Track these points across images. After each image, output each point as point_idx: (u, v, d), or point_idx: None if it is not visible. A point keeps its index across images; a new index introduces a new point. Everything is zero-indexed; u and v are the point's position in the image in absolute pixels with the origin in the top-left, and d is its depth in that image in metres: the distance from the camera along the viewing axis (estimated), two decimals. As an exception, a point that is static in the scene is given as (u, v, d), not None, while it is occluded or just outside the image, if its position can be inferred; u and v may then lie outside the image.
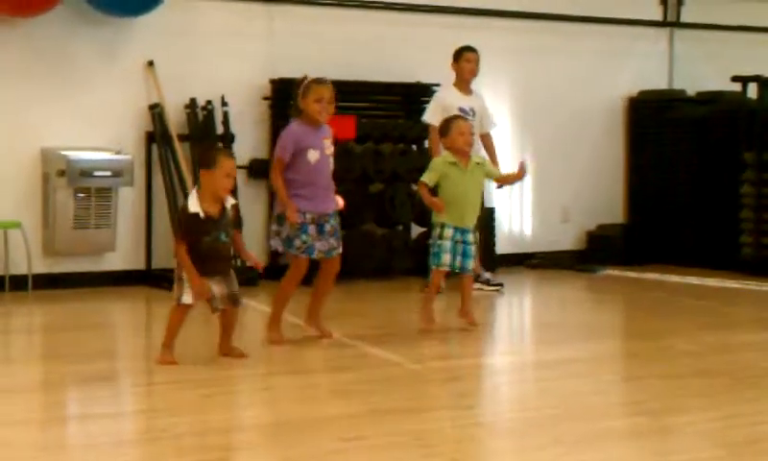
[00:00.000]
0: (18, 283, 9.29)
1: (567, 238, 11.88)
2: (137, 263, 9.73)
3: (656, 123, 11.94)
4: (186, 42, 10.01)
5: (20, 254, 9.27)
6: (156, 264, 9.84)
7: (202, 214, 6.59)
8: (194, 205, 6.62)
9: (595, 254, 11.67)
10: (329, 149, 7.32)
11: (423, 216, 10.46)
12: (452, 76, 9.84)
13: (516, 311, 9.74)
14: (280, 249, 7.35)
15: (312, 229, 7.19)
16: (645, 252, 11.68)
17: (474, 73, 9.77)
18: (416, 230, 10.70)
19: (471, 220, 7.81)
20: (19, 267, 9.32)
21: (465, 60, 9.75)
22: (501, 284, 9.87)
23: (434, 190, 7.72)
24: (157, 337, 7.56)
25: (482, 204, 8.06)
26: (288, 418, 5.46)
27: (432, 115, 9.62)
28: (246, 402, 5.87)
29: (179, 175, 9.84)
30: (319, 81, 7.35)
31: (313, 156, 7.21)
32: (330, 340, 7.38)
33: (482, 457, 4.88)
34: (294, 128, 7.31)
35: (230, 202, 6.73)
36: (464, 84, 9.77)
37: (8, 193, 9.38)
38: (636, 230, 11.95)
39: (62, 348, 7.30)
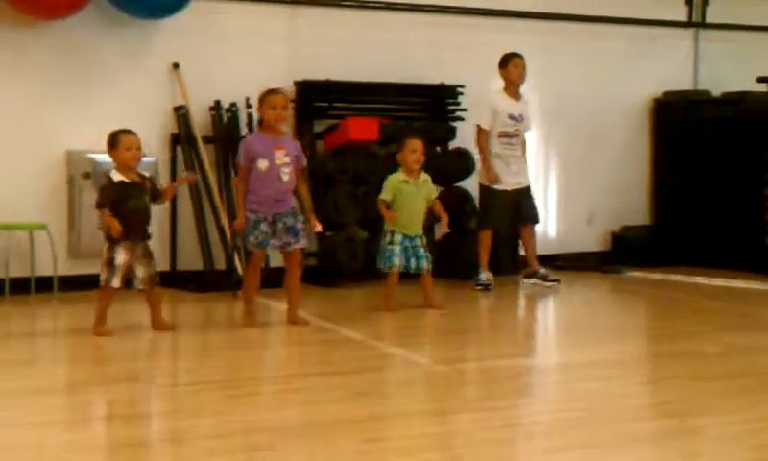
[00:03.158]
0: (44, 285, 9.32)
1: (592, 240, 11.84)
2: (162, 265, 9.69)
3: (681, 124, 11.89)
4: (211, 44, 10.03)
5: (45, 255, 9.30)
6: (181, 266, 9.87)
7: (127, 180, 7.59)
8: (116, 175, 7.62)
9: (620, 255, 11.64)
10: (281, 159, 7.91)
11: (450, 217, 10.51)
12: (477, 79, 10.30)
13: (540, 313, 9.72)
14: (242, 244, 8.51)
15: (265, 226, 7.87)
16: (670, 253, 11.63)
17: (522, 78, 10.10)
18: (439, 232, 10.69)
19: (418, 228, 8.75)
20: (44, 269, 9.34)
21: (513, 65, 10.07)
22: (557, 280, 10.12)
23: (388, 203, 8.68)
24: (183, 338, 7.61)
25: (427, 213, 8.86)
26: (312, 419, 5.46)
27: (483, 118, 10.01)
28: (269, 404, 5.88)
29: (203, 177, 9.85)
30: (273, 90, 8.03)
31: (263, 164, 7.87)
32: (307, 327, 7.93)
33: (507, 460, 4.86)
34: (248, 139, 8.32)
35: (146, 174, 7.83)
36: (513, 89, 10.10)
37: (33, 195, 9.41)
38: (660, 231, 11.91)
39: (87, 349, 7.32)
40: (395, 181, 8.68)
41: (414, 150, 8.68)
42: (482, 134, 10.01)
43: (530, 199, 10.31)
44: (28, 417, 5.48)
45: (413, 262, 8.67)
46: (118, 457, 4.93)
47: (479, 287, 9.84)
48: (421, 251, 8.69)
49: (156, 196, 7.87)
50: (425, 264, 8.68)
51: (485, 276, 9.89)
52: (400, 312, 8.56)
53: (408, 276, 8.74)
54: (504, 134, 10.02)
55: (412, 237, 8.67)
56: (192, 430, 5.25)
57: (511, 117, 10.02)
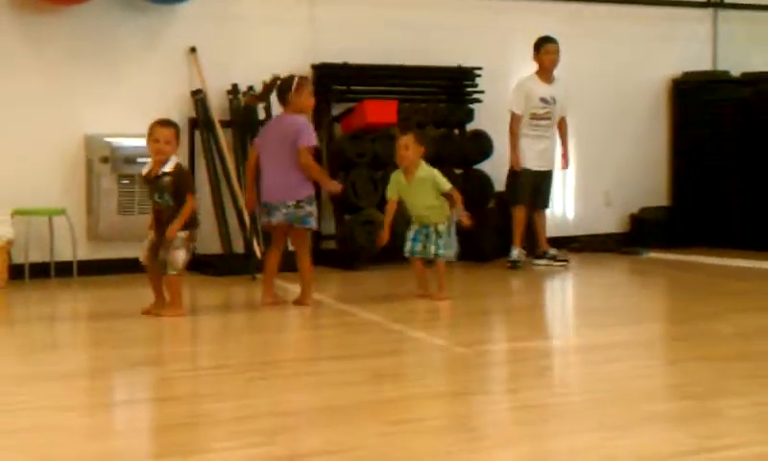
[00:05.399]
0: (63, 270, 9.38)
1: (611, 221, 11.83)
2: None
3: (700, 104, 11.87)
4: (228, 28, 10.05)
5: (65, 240, 9.35)
6: (201, 250, 9.87)
7: (144, 173, 7.74)
8: (144, 168, 7.76)
9: (639, 236, 11.63)
10: None
11: (468, 199, 10.54)
12: (495, 61, 10.64)
13: (559, 295, 9.72)
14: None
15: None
16: (689, 234, 11.62)
17: (554, 64, 10.27)
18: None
19: (428, 219, 8.37)
20: (64, 253, 9.40)
21: (544, 51, 10.25)
22: (566, 261, 10.29)
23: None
24: (203, 321, 7.64)
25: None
26: (333, 402, 5.47)
27: (515, 104, 10.20)
28: (291, 387, 5.89)
29: (221, 161, 9.88)
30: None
31: None
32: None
33: (528, 441, 4.87)
34: None
35: (168, 166, 7.58)
36: (545, 73, 10.27)
37: (52, 180, 9.46)
38: (679, 212, 11.89)
39: (107, 333, 7.35)
40: (394, 179, 8.46)
41: (398, 146, 8.36)
42: (515, 120, 10.19)
43: (549, 183, 10.47)
44: (49, 401, 5.50)
45: (430, 249, 8.36)
46: (139, 441, 4.95)
47: (509, 265, 10.02)
48: (433, 237, 8.36)
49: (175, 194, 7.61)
50: (432, 249, 8.35)
51: (516, 253, 10.04)
52: (419, 296, 8.58)
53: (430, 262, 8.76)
54: (534, 117, 10.18)
55: (425, 226, 8.37)
56: (213, 414, 5.27)
57: (542, 100, 10.19)
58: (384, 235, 8.34)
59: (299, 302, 8.02)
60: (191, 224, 7.65)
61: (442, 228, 8.38)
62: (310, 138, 7.96)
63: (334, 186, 8.44)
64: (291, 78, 8.05)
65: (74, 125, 9.52)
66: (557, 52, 10.21)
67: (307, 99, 8.03)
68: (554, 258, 10.25)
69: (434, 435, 4.96)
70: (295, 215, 7.91)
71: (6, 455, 4.61)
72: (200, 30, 9.91)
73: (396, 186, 8.43)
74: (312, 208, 7.99)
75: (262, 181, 8.05)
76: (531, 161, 10.21)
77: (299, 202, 7.90)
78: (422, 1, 10.86)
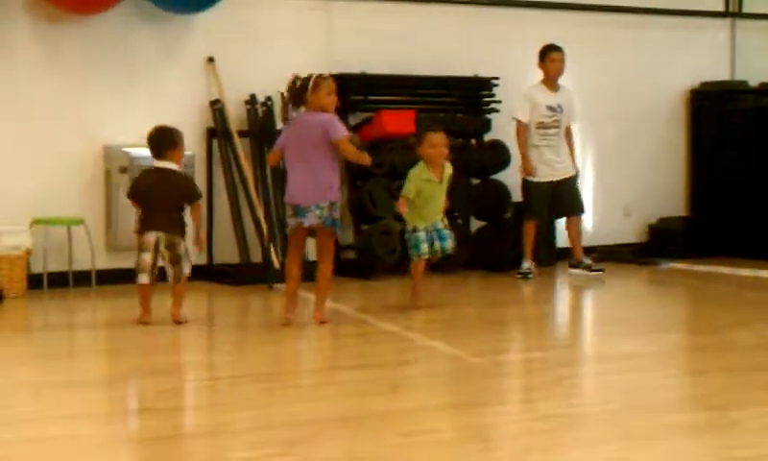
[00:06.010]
0: (82, 279, 9.39)
1: (629, 231, 11.79)
2: (199, 258, 9.73)
3: (718, 114, 11.82)
4: (246, 38, 10.06)
5: (83, 250, 9.36)
6: (218, 259, 9.90)
7: None
8: None
9: (657, 247, 11.59)
10: None
11: (485, 209, 10.55)
12: (512, 70, 10.50)
13: (578, 304, 9.70)
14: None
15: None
16: (708, 244, 11.57)
17: (560, 71, 10.23)
18: (475, 224, 10.68)
19: (436, 217, 8.38)
20: (83, 263, 9.41)
21: (550, 59, 10.21)
22: (602, 270, 10.24)
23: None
24: (220, 331, 7.64)
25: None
26: (349, 412, 5.47)
27: (521, 112, 10.15)
28: (307, 397, 5.89)
29: (239, 170, 9.89)
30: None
31: None
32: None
33: (545, 452, 4.85)
34: None
35: None
36: (550, 81, 10.23)
37: (71, 190, 9.47)
38: (698, 222, 11.84)
39: (126, 342, 7.36)
40: (417, 179, 8.30)
41: (434, 145, 8.29)
42: (521, 128, 10.14)
43: (573, 189, 10.39)
44: (66, 410, 5.52)
45: (437, 245, 8.33)
46: (156, 450, 4.95)
47: (519, 275, 9.95)
48: (444, 232, 8.35)
49: None
50: (450, 243, 8.37)
51: (526, 265, 10.02)
52: (436, 306, 8.56)
53: (441, 269, 8.73)
54: (541, 125, 10.13)
55: (437, 228, 8.36)
56: (230, 423, 5.27)
57: (549, 108, 10.13)
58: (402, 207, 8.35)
59: (315, 317, 7.77)
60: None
61: (445, 220, 8.46)
62: (343, 129, 7.75)
63: (366, 159, 7.94)
64: (308, 77, 7.84)
65: (93, 135, 9.54)
66: (562, 60, 10.18)
67: (325, 97, 7.73)
68: (588, 268, 10.19)
69: (450, 446, 4.95)
70: (329, 218, 7.66)
71: (23, 464, 4.63)
72: (218, 40, 9.92)
73: (420, 185, 8.29)
74: (338, 213, 7.81)
75: (290, 181, 7.79)
76: (543, 174, 10.14)
77: (332, 203, 7.67)
78: (440, 10, 10.86)
